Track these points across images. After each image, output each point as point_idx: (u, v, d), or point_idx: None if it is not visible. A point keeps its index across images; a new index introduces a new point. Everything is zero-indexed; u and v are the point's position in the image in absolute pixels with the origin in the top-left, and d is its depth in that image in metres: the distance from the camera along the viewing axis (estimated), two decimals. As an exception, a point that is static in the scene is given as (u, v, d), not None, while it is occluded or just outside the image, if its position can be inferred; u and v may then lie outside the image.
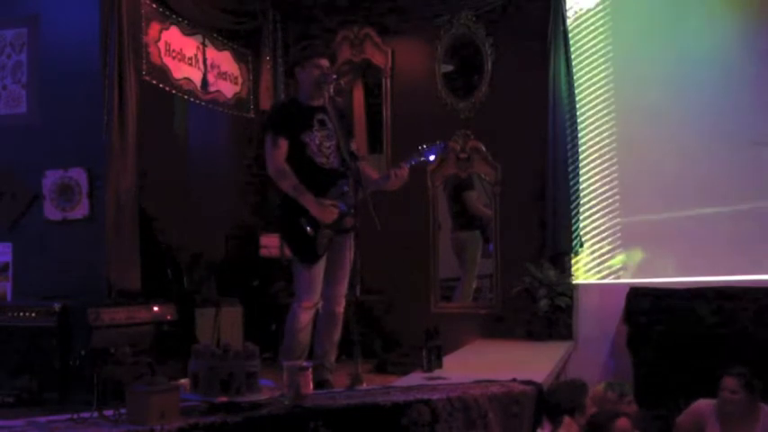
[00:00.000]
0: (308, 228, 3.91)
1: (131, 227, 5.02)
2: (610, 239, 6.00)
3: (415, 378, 4.08)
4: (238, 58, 6.58)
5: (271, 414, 2.85)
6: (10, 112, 5.22)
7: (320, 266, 4.00)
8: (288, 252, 4.14)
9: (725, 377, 4.26)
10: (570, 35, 6.02)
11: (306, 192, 3.90)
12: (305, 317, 4.00)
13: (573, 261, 6.01)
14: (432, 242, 6.44)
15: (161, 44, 5.54)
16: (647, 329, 5.52)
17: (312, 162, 3.99)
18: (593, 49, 6.10)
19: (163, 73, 5.56)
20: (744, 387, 4.18)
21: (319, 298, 4.05)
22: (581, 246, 5.94)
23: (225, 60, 6.40)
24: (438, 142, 4.26)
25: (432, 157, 4.26)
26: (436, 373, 4.20)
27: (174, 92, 5.74)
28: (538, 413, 3.53)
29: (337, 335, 4.16)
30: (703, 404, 4.36)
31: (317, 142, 4.01)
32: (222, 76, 6.33)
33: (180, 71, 5.76)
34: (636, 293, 5.68)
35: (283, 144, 3.96)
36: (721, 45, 5.76)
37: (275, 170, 3.97)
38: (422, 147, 4.21)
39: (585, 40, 6.13)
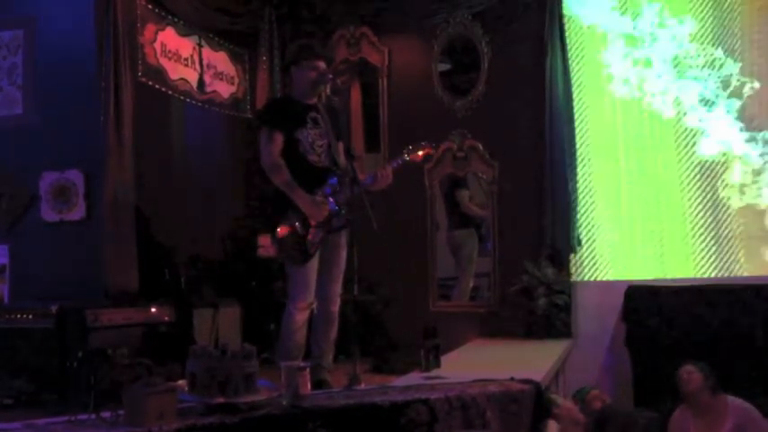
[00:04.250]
0: (297, 224, 3.90)
1: (128, 228, 5.01)
2: (608, 237, 6.00)
3: (414, 378, 4.09)
4: (235, 58, 6.57)
5: (269, 415, 2.86)
6: (6, 114, 5.21)
7: (313, 266, 3.99)
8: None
9: (679, 369, 4.43)
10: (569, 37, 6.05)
11: (297, 188, 3.90)
12: (300, 317, 4.00)
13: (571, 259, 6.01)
14: (429, 241, 6.43)
15: (157, 45, 5.53)
16: (645, 327, 5.52)
17: (304, 159, 3.98)
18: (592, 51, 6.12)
19: (159, 74, 5.55)
20: (700, 370, 4.35)
21: (314, 298, 4.04)
22: (579, 244, 5.93)
23: (221, 61, 6.39)
24: (422, 143, 4.25)
25: (419, 154, 4.24)
26: (434, 372, 4.20)
27: (170, 93, 5.73)
28: (536, 412, 3.52)
29: (334, 334, 4.15)
30: (677, 412, 4.45)
31: (310, 140, 4.01)
32: (218, 76, 6.32)
33: (176, 72, 5.75)
34: (634, 291, 5.68)
35: (279, 138, 3.96)
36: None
37: (270, 164, 3.96)
38: (409, 147, 4.21)
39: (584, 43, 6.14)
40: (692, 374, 4.35)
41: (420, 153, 4.24)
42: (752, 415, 4.28)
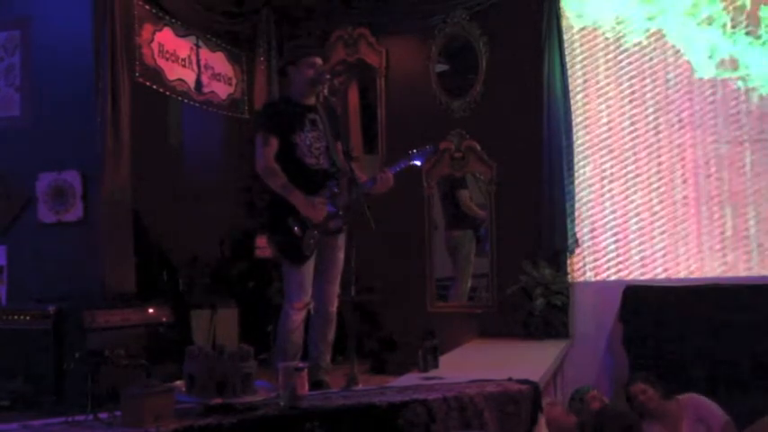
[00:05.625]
0: (296, 228, 3.90)
1: (126, 229, 5.01)
2: (605, 238, 6.01)
3: (412, 378, 4.08)
4: (232, 58, 6.56)
5: (266, 415, 2.85)
6: (3, 115, 5.20)
7: (309, 267, 3.99)
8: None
9: (630, 388, 4.49)
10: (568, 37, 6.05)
11: (295, 190, 3.89)
12: (296, 318, 3.99)
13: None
14: (427, 242, 6.43)
15: (154, 45, 5.52)
16: (643, 327, 5.52)
17: (301, 163, 3.98)
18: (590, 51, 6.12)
19: (156, 74, 5.54)
20: (651, 385, 4.43)
21: (310, 299, 4.04)
22: (576, 244, 5.94)
23: (219, 61, 6.39)
24: (427, 146, 4.24)
25: (419, 162, 4.23)
26: (432, 373, 4.20)
27: (167, 93, 5.72)
28: (534, 412, 3.53)
29: (332, 335, 4.15)
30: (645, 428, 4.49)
31: (308, 143, 4.00)
32: (216, 77, 6.31)
33: (173, 72, 5.74)
34: (632, 291, 5.68)
35: (274, 142, 3.95)
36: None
37: (264, 168, 3.96)
38: (411, 151, 4.19)
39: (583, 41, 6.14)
40: (647, 392, 4.40)
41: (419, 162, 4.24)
42: (706, 407, 4.35)
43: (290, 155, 3.97)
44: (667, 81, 5.90)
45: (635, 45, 5.98)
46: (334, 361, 4.29)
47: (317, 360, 4.06)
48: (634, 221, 5.93)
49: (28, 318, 4.39)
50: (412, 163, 4.19)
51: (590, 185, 6.05)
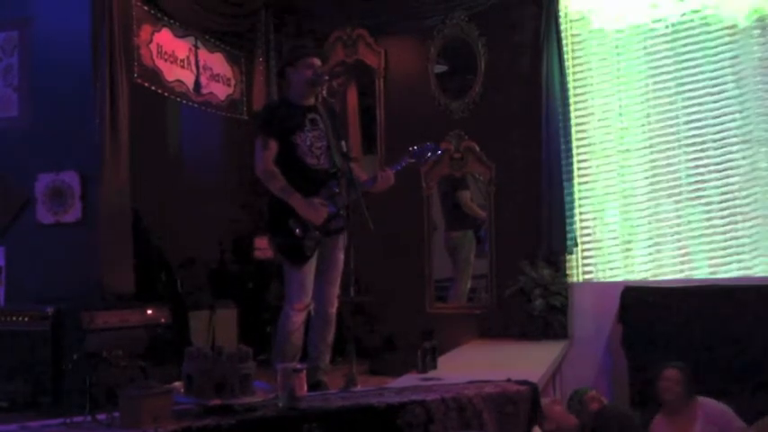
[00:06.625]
0: (297, 229, 3.89)
1: (124, 230, 5.00)
2: (604, 238, 6.01)
3: (410, 379, 4.08)
4: (231, 59, 6.56)
5: (264, 416, 2.85)
6: (1, 116, 5.19)
7: (310, 268, 3.99)
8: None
9: (667, 369, 4.51)
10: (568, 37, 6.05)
11: (294, 192, 3.89)
12: (297, 319, 4.00)
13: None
14: (427, 243, 6.43)
15: (153, 46, 5.51)
16: (642, 328, 5.52)
17: (302, 163, 3.98)
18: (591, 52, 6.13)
19: (155, 75, 5.54)
20: (682, 380, 4.46)
21: (311, 300, 4.04)
22: (575, 245, 5.94)
23: (217, 62, 6.38)
24: (428, 144, 4.23)
25: (421, 159, 4.23)
26: (431, 373, 4.20)
27: (166, 94, 5.72)
28: (533, 413, 3.53)
29: (331, 336, 4.15)
30: (656, 420, 4.50)
31: (308, 143, 4.00)
32: (215, 77, 6.30)
33: (172, 73, 5.73)
34: (631, 292, 5.68)
35: (273, 146, 3.95)
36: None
37: (263, 171, 3.96)
38: (412, 148, 4.19)
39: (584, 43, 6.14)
40: (671, 384, 4.42)
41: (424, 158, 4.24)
42: (720, 412, 4.35)
43: (290, 155, 3.97)
44: (668, 80, 5.90)
45: (634, 44, 5.99)
46: (334, 361, 4.29)
47: (316, 361, 4.07)
48: (633, 222, 5.93)
49: (26, 319, 4.38)
50: (414, 160, 4.20)
51: (589, 186, 6.05)
